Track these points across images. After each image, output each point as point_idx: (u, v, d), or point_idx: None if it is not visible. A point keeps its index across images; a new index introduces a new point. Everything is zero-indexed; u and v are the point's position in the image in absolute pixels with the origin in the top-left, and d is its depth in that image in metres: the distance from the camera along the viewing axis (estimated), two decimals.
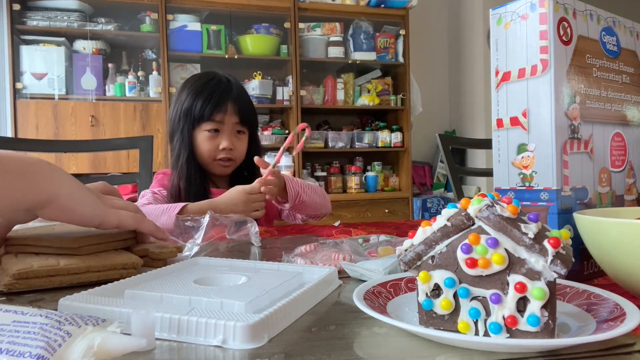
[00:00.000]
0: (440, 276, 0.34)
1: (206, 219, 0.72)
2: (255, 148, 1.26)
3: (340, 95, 3.36)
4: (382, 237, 0.70)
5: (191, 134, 1.18)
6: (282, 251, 0.64)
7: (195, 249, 0.67)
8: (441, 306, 0.34)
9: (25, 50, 2.82)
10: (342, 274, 0.54)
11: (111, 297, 0.41)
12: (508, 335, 0.32)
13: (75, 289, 0.48)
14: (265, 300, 0.39)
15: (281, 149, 1.04)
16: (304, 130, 1.04)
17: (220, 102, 1.17)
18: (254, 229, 0.76)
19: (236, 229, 0.76)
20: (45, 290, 0.51)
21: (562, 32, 0.51)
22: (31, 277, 0.49)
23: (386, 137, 3.44)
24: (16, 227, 0.60)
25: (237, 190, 1.04)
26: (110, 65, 2.97)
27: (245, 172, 1.27)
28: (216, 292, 0.41)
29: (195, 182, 1.18)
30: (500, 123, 0.55)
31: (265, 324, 0.35)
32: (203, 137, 1.18)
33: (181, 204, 1.01)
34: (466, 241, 0.33)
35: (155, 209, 1.00)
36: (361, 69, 3.51)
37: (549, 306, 0.32)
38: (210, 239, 0.73)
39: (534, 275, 0.32)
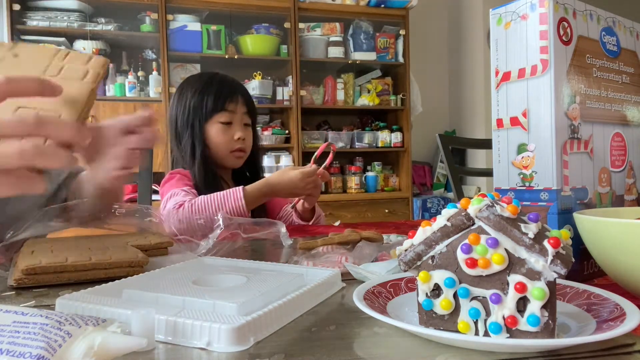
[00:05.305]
0: (440, 276, 0.34)
1: (220, 219, 0.72)
2: (256, 142, 1.29)
3: (340, 95, 3.36)
4: (393, 237, 0.70)
5: (203, 129, 1.19)
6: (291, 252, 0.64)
7: (207, 245, 0.67)
8: (441, 306, 0.34)
9: None
10: (347, 276, 0.53)
11: (109, 296, 0.41)
12: (508, 335, 0.32)
13: (82, 285, 0.49)
14: (259, 302, 0.38)
15: (312, 158, 1.13)
16: (328, 145, 1.15)
17: (231, 92, 1.21)
18: (283, 229, 0.76)
19: (254, 228, 0.76)
20: (51, 286, 0.52)
21: (562, 32, 0.51)
22: (39, 273, 0.51)
23: (386, 137, 3.43)
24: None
25: (294, 172, 1.07)
26: (110, 65, 2.97)
27: (248, 166, 1.29)
28: (211, 293, 0.41)
29: (215, 177, 1.19)
30: (500, 123, 0.55)
31: (251, 326, 0.34)
32: (217, 130, 1.19)
33: (239, 188, 1.03)
34: (466, 241, 0.33)
35: (211, 199, 1.02)
36: (361, 69, 3.51)
37: (549, 306, 0.32)
38: (225, 239, 0.73)
39: (534, 275, 0.32)
